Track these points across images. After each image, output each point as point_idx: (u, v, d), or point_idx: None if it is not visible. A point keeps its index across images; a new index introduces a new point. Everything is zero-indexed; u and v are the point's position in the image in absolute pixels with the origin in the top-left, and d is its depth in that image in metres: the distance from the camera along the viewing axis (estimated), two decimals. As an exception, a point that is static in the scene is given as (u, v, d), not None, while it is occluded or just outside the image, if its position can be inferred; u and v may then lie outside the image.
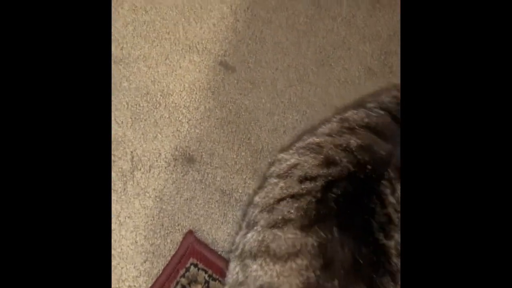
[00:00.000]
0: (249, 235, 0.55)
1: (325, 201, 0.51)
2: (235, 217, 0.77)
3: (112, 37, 0.83)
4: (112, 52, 0.83)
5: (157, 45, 0.85)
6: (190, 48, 0.86)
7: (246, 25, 0.89)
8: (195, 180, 0.78)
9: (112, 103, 0.80)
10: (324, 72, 0.90)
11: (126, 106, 0.80)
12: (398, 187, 0.52)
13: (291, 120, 0.85)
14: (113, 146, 0.77)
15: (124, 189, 0.75)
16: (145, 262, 0.72)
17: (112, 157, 0.77)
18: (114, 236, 0.72)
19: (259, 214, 0.55)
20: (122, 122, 0.79)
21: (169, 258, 0.72)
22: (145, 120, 0.80)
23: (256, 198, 0.59)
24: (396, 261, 0.49)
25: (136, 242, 0.73)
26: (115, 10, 0.84)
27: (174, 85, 0.83)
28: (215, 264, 0.73)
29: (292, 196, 0.53)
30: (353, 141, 0.56)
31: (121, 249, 0.72)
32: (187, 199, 0.77)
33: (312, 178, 0.53)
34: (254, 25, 0.90)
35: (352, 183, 0.52)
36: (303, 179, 0.54)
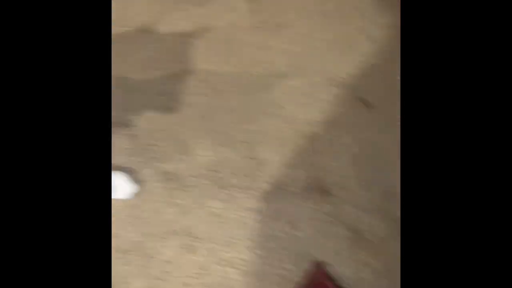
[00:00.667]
0: None
1: None
2: (363, 257, 0.76)
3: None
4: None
5: (304, 76, 0.88)
6: (334, 81, 0.88)
7: (388, 65, 0.90)
8: (328, 212, 0.79)
9: (265, 130, 0.84)
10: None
11: (274, 133, 0.84)
12: None
13: (426, 166, 0.84)
14: (258, 168, 0.81)
15: (264, 210, 0.78)
16: (274, 284, 0.74)
17: (257, 178, 0.81)
18: (250, 255, 0.75)
19: None
20: (268, 149, 0.83)
21: (296, 285, 0.73)
22: (288, 147, 0.84)
23: None
24: None
25: (269, 264, 0.75)
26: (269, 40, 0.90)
27: (317, 116, 0.86)
28: (341, 301, 0.72)
29: None
30: None
31: (254, 267, 0.75)
32: (319, 230, 0.78)
33: None
34: (396, 67, 0.90)
35: None
36: None
